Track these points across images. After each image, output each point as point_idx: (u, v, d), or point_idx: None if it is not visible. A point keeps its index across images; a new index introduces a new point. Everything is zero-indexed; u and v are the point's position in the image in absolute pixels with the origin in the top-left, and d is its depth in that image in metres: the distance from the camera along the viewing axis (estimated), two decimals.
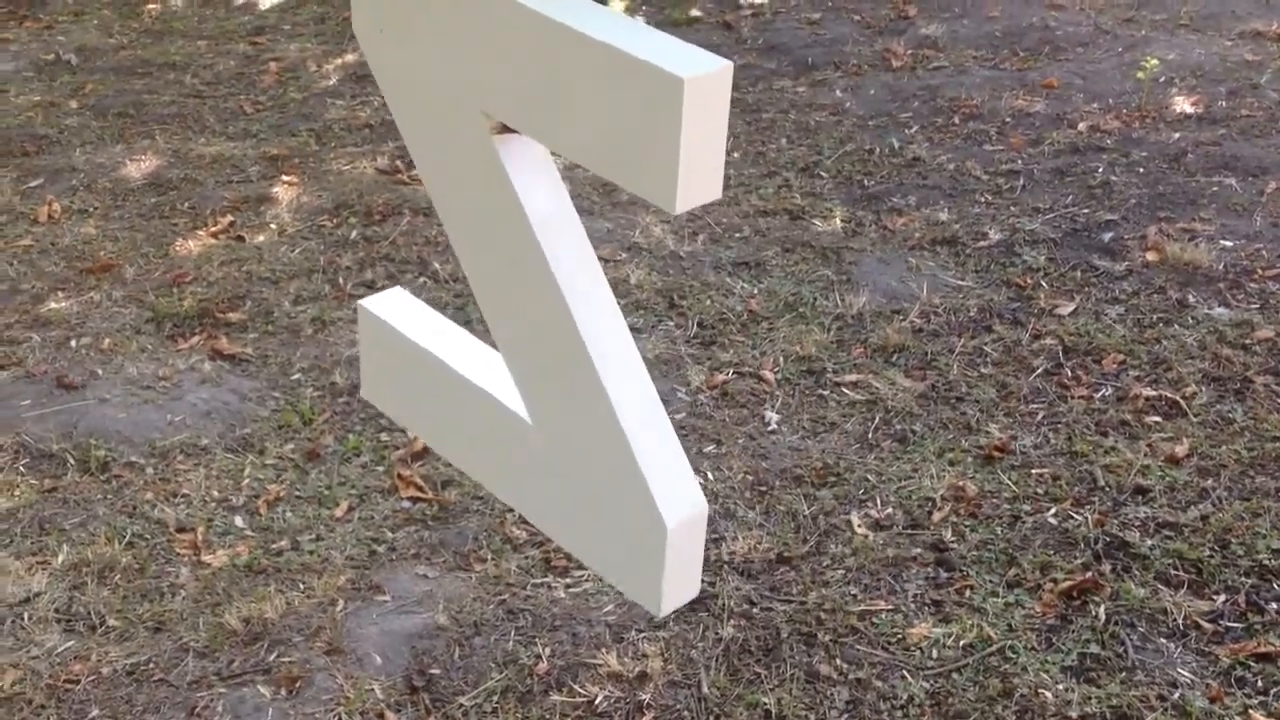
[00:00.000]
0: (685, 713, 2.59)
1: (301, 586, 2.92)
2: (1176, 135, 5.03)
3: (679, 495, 1.16)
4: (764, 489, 3.20)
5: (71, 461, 3.34)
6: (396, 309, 1.37)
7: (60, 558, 3.02)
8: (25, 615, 2.86)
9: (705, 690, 2.63)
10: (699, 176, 1.01)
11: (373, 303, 1.37)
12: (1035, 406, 3.47)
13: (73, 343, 3.88)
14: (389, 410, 1.47)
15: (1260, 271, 4.04)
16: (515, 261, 1.17)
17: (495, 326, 1.23)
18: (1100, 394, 3.50)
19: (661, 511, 1.14)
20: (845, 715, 2.57)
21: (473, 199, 1.18)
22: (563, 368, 1.17)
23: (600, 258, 4.68)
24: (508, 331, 1.22)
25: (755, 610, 2.83)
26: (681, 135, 0.97)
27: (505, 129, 1.14)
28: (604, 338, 1.18)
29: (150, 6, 7.20)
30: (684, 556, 1.16)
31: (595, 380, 1.15)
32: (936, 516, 3.07)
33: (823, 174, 4.89)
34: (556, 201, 1.17)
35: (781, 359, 3.71)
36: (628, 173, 1.03)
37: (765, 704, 2.59)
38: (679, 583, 1.18)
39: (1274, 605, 2.78)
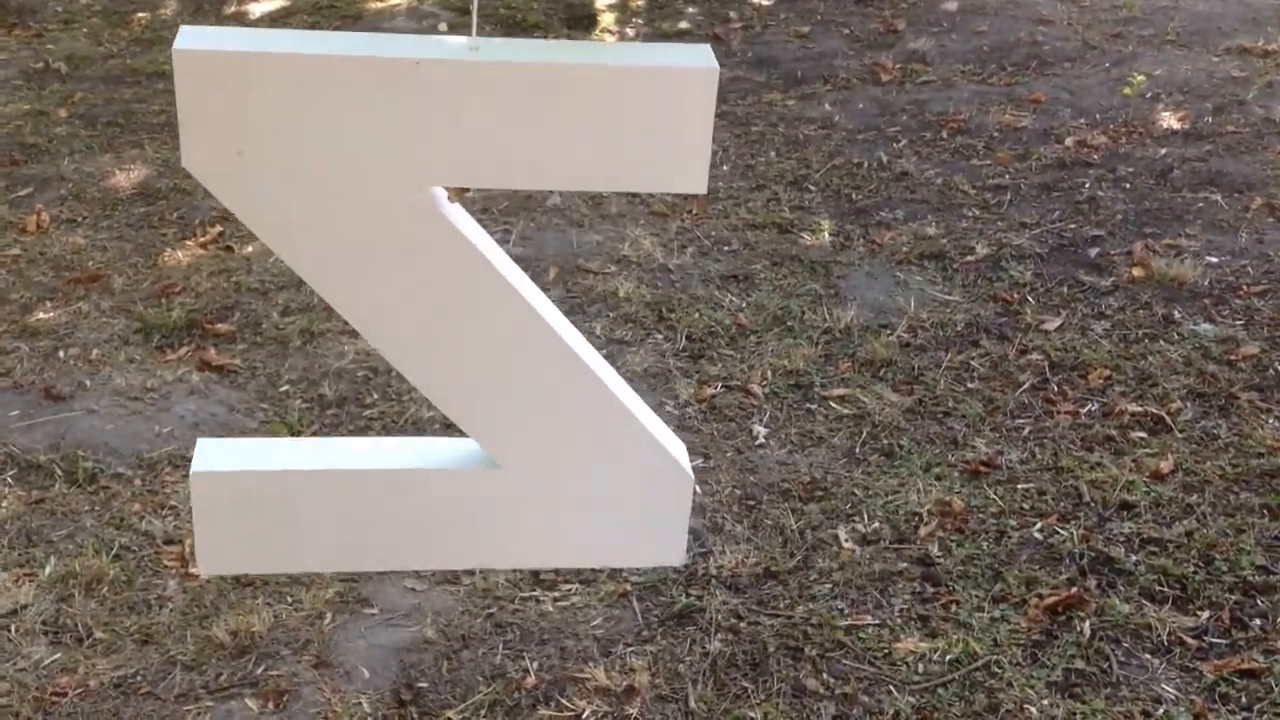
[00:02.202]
0: None
1: (289, 600, 2.92)
2: (1163, 151, 5.06)
3: (682, 451, 1.34)
4: (752, 503, 3.21)
5: (59, 473, 3.34)
6: (231, 456, 1.30)
7: (47, 570, 3.02)
8: (12, 627, 2.85)
9: (692, 704, 2.64)
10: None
11: (203, 463, 1.27)
12: (1021, 422, 3.48)
13: (61, 353, 3.88)
14: (245, 566, 1.41)
15: (1245, 288, 4.07)
16: (484, 313, 1.20)
17: (446, 389, 1.22)
18: (1086, 409, 3.52)
19: (685, 467, 1.31)
20: None
21: (416, 274, 1.15)
22: (562, 388, 1.22)
23: (589, 270, 4.71)
24: (477, 389, 1.22)
25: (742, 624, 2.84)
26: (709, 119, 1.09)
27: (459, 192, 1.16)
28: (585, 350, 1.24)
29: (140, 15, 7.20)
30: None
31: (601, 388, 1.22)
32: (923, 531, 3.08)
33: (811, 187, 4.91)
34: (490, 243, 1.23)
35: (769, 373, 3.72)
36: (653, 173, 1.13)
37: (752, 718, 2.60)
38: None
39: (1258, 621, 2.80)
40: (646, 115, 1.08)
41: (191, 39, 1.07)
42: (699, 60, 1.09)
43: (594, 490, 1.27)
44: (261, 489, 1.24)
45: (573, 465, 1.27)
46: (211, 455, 1.29)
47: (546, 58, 1.10)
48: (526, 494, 1.28)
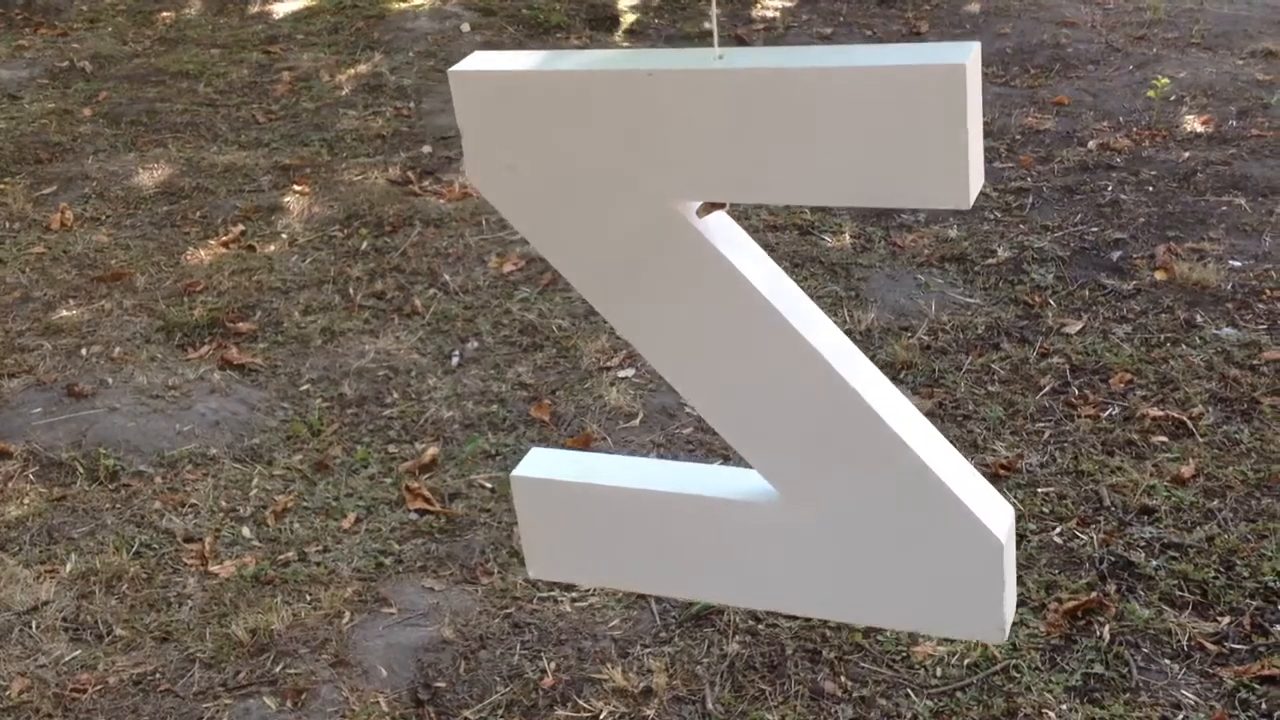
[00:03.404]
0: None
1: (308, 598, 2.93)
2: (1186, 154, 5.03)
3: (993, 506, 1.13)
4: None
5: (80, 470, 3.36)
6: (551, 466, 1.31)
7: (68, 566, 3.03)
8: (33, 624, 2.87)
9: (710, 706, 2.63)
10: (976, 163, 1.02)
11: (525, 469, 1.31)
12: (1042, 425, 3.47)
13: (83, 351, 3.90)
14: (571, 575, 1.41)
15: (1269, 292, 4.05)
16: (754, 343, 1.12)
17: (736, 422, 1.17)
18: (1107, 413, 3.50)
19: (990, 527, 1.11)
20: None
21: (684, 298, 1.13)
22: (843, 431, 1.12)
23: None
24: (757, 421, 1.16)
25: (760, 627, 2.83)
26: (968, 122, 0.98)
27: (711, 207, 1.11)
28: (871, 387, 1.13)
29: (164, 15, 7.24)
30: (1010, 569, 1.14)
31: (886, 431, 1.10)
32: None
33: None
34: (765, 262, 1.14)
35: None
36: (907, 188, 1.02)
37: None
38: (1009, 599, 1.15)
39: (1279, 627, 2.78)
40: (890, 121, 1.00)
41: (470, 61, 1.15)
42: (944, 57, 0.98)
43: (884, 542, 1.16)
44: (560, 497, 1.28)
45: (855, 509, 1.16)
46: (533, 462, 1.32)
47: (781, 63, 1.04)
48: (811, 533, 1.18)
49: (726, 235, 1.12)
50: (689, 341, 1.16)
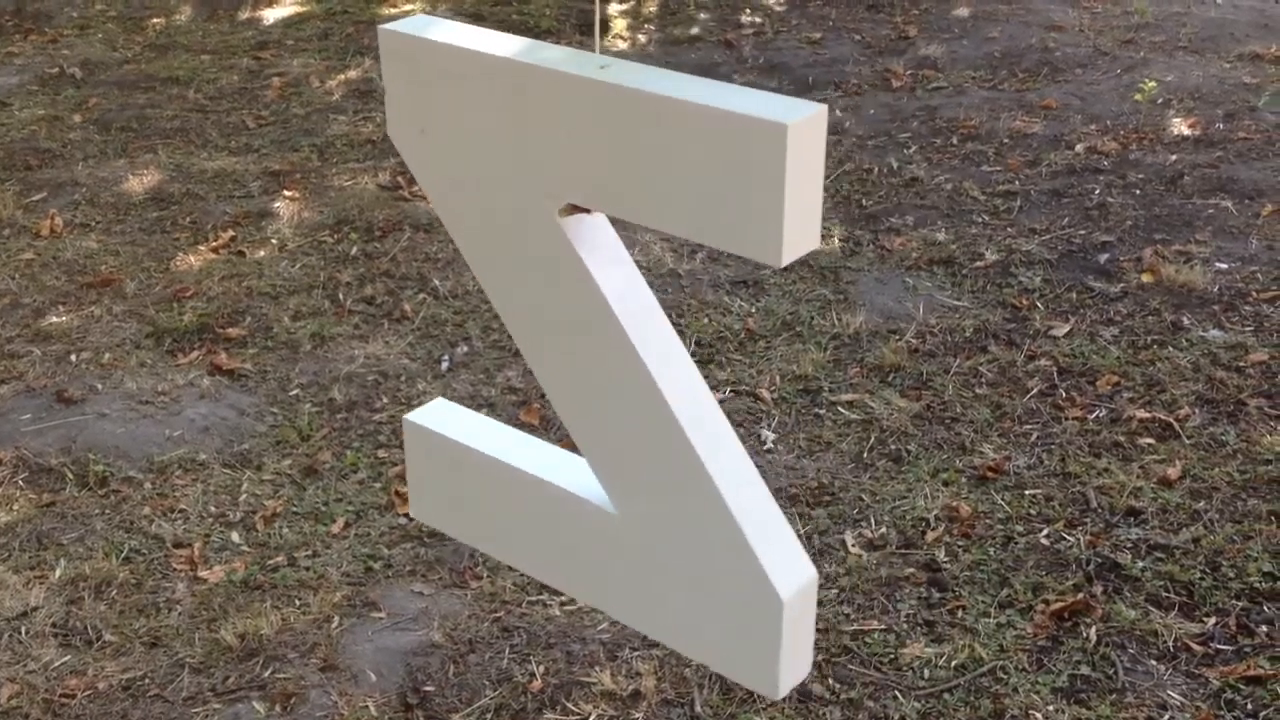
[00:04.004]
0: None
1: (297, 603, 2.94)
2: (1173, 157, 5.05)
3: (789, 564, 1.11)
4: None
5: (70, 476, 3.36)
6: (443, 419, 1.35)
7: (58, 572, 3.04)
8: (22, 629, 2.87)
9: (698, 709, 2.64)
10: (802, 224, 1.00)
11: (419, 415, 1.35)
12: (1029, 427, 3.48)
13: (73, 357, 3.90)
14: (444, 526, 1.45)
15: (1255, 294, 4.07)
16: (594, 348, 1.13)
17: (571, 418, 1.19)
18: (1094, 415, 3.52)
19: (775, 583, 1.09)
20: None
21: (540, 289, 1.15)
22: (655, 452, 1.12)
23: None
24: (587, 422, 1.18)
25: None
26: (786, 184, 0.96)
27: (575, 209, 1.12)
28: (698, 418, 1.13)
29: (155, 21, 7.24)
30: (798, 629, 1.11)
31: (695, 461, 1.09)
32: (930, 536, 3.09)
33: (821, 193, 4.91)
34: (630, 279, 1.14)
35: (778, 378, 3.73)
36: (727, 232, 1.01)
37: None
38: (794, 659, 1.12)
39: (1264, 628, 2.80)
40: (717, 164, 0.99)
41: (406, 21, 1.18)
42: (777, 113, 0.96)
43: (681, 568, 1.15)
44: (450, 455, 1.31)
45: (660, 529, 1.16)
46: (428, 411, 1.36)
47: (639, 83, 1.04)
48: (630, 551, 1.18)
49: (592, 239, 1.13)
50: (542, 330, 1.19)
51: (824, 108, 0.98)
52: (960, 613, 2.86)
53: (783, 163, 0.95)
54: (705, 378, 3.83)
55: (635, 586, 1.21)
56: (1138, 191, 4.80)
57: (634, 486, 1.17)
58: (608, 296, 1.11)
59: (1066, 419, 3.50)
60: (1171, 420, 3.47)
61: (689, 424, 1.11)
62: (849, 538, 3.10)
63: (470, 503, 1.34)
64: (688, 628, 1.18)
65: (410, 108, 1.18)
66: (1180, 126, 5.32)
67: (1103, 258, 4.33)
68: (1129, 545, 3.04)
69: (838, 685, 2.69)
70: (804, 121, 0.96)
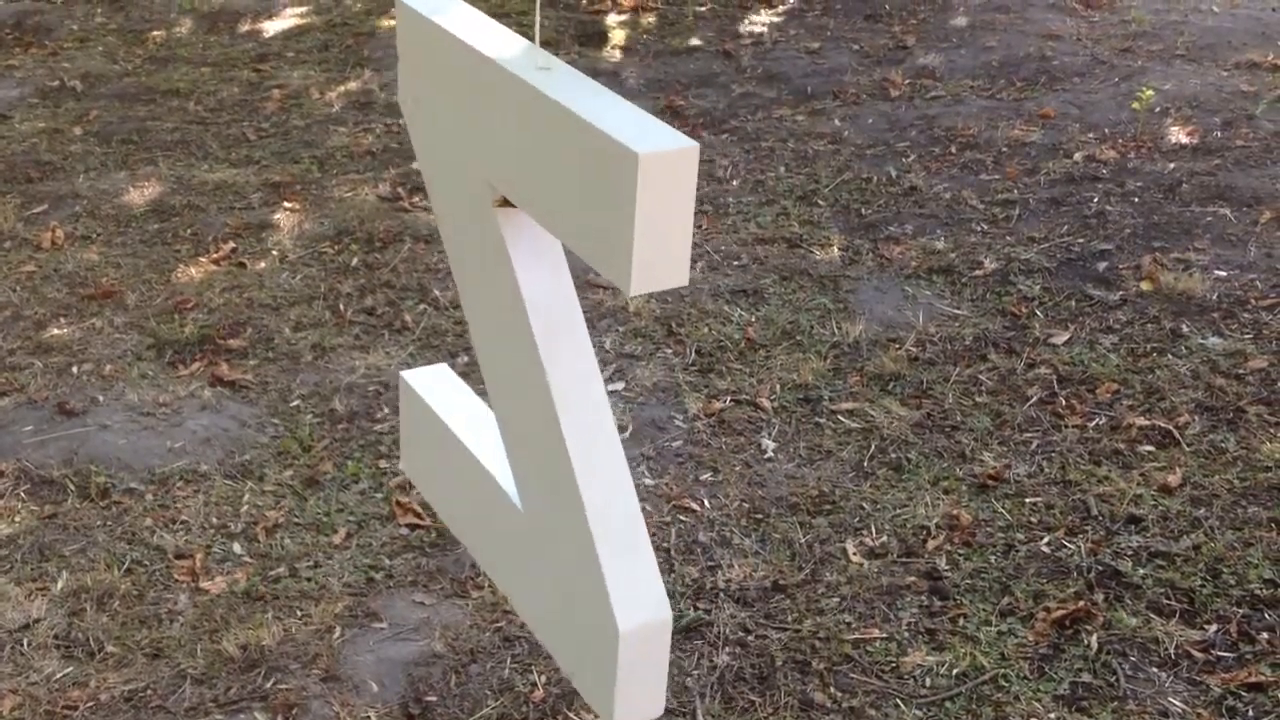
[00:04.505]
0: None
1: (299, 613, 2.94)
2: (1172, 165, 5.06)
3: (639, 599, 1.10)
4: (760, 516, 3.22)
5: (72, 488, 3.37)
6: (435, 384, 1.38)
7: (60, 584, 3.04)
8: (25, 641, 2.88)
9: (700, 718, 2.64)
10: (660, 258, 0.98)
11: (413, 376, 1.39)
12: (1029, 435, 3.49)
13: (74, 369, 3.91)
14: (419, 484, 1.48)
15: (1253, 301, 4.07)
16: (510, 341, 1.15)
17: (494, 405, 1.22)
18: (1094, 423, 3.52)
19: (616, 613, 1.08)
20: None
21: (480, 274, 1.18)
22: (544, 452, 1.14)
23: (598, 285, 4.72)
24: (503, 412, 1.21)
25: (750, 638, 2.85)
26: (636, 212, 0.94)
27: (505, 203, 1.14)
28: (585, 432, 1.14)
29: (155, 34, 7.26)
30: (641, 666, 1.10)
31: (568, 468, 1.10)
32: (931, 545, 3.09)
33: (820, 202, 4.93)
34: (554, 282, 1.14)
35: (778, 387, 3.73)
36: (592, 249, 1.01)
37: None
38: (636, 694, 1.11)
39: (1265, 635, 2.80)
40: (590, 182, 0.98)
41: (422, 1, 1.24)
42: (640, 141, 0.93)
43: (559, 582, 1.15)
44: (427, 420, 1.36)
45: (548, 540, 1.17)
46: (425, 374, 1.41)
47: (552, 89, 1.05)
48: (527, 545, 1.21)
49: (525, 237, 1.14)
50: (478, 318, 1.23)
51: (694, 145, 0.95)
52: (961, 621, 2.87)
53: (633, 189, 0.93)
54: (705, 387, 3.84)
55: (530, 583, 1.23)
56: (1136, 199, 4.81)
57: (529, 487, 1.20)
58: (524, 293, 1.12)
59: (1066, 427, 3.51)
60: (1171, 427, 3.47)
61: (572, 434, 1.11)
62: (850, 546, 3.10)
63: (437, 469, 1.38)
64: (559, 635, 1.20)
65: (408, 77, 1.24)
66: (1178, 134, 5.34)
67: (1102, 266, 4.34)
68: (1130, 552, 3.04)
69: (839, 694, 2.70)
70: (661, 154, 0.93)
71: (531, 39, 1.20)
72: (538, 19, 1.16)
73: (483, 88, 1.12)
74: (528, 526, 1.21)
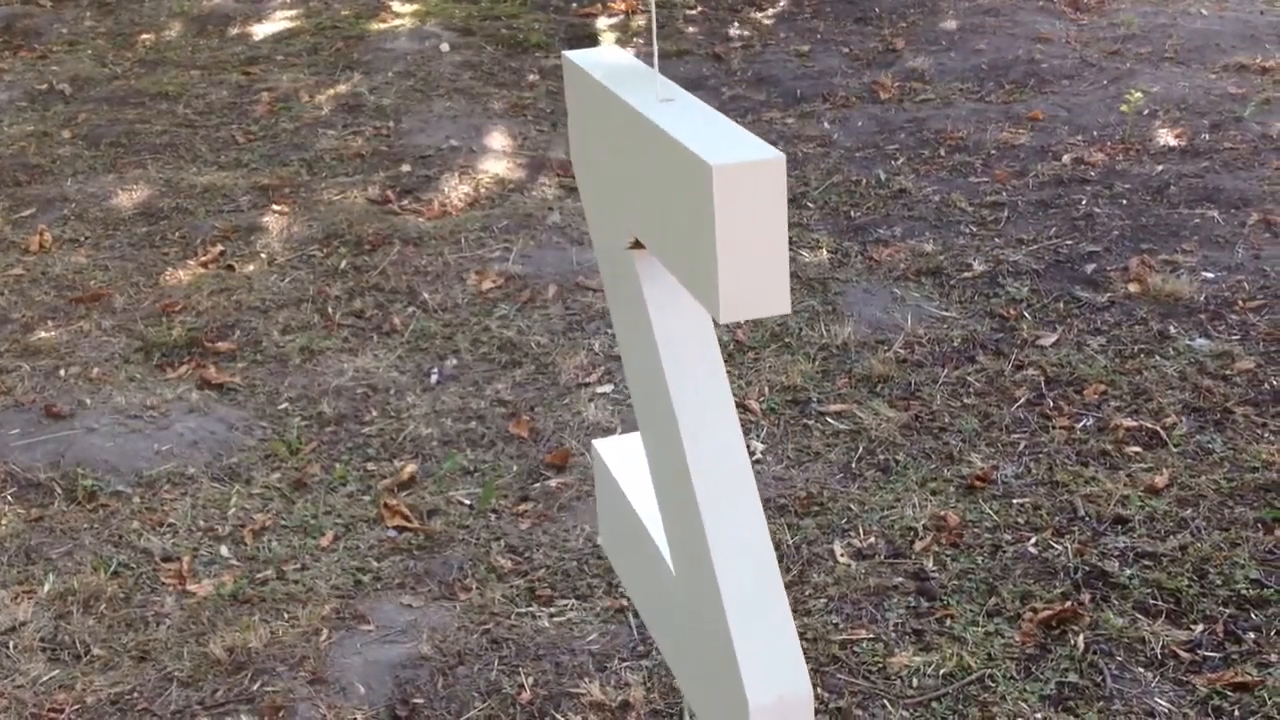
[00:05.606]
0: None
1: (286, 616, 2.94)
2: (1160, 167, 5.08)
3: (772, 672, 1.05)
4: None
5: (59, 490, 3.36)
6: (619, 454, 1.36)
7: (46, 587, 3.03)
8: (10, 644, 2.87)
9: (688, 719, 2.64)
10: (752, 280, 0.89)
11: (605, 445, 1.35)
12: (1017, 436, 3.49)
13: (61, 372, 3.90)
14: (609, 554, 1.44)
15: (1241, 303, 4.08)
16: (650, 386, 1.11)
17: (650, 463, 1.18)
18: (1081, 424, 3.53)
19: (747, 688, 1.04)
20: None
21: (626, 322, 1.16)
22: (681, 511, 1.09)
23: (588, 287, 4.71)
24: (654, 466, 1.17)
25: None
26: (717, 228, 0.87)
27: (638, 244, 1.10)
28: (714, 476, 1.06)
29: (144, 37, 7.25)
30: None
31: (699, 524, 1.04)
32: (918, 546, 3.09)
33: (810, 205, 4.93)
34: (691, 328, 1.07)
35: (767, 389, 3.74)
36: (689, 275, 0.93)
37: None
38: None
39: (1252, 635, 2.80)
40: (685, 205, 0.91)
41: (584, 53, 1.25)
42: (713, 151, 0.86)
43: (700, 648, 1.11)
44: (612, 490, 1.38)
45: (693, 607, 1.11)
46: (616, 444, 1.41)
47: (656, 118, 0.97)
48: (682, 612, 1.16)
49: (661, 280, 1.08)
50: (630, 363, 1.22)
51: (780, 156, 0.87)
52: (948, 621, 2.87)
53: (711, 204, 0.86)
54: None
55: (681, 648, 1.20)
56: (1124, 202, 4.82)
57: (675, 548, 1.15)
58: (658, 338, 1.07)
59: (1054, 428, 3.51)
60: (1158, 429, 3.48)
61: (703, 484, 1.04)
62: (837, 547, 3.11)
63: (618, 535, 1.36)
64: (701, 697, 1.17)
65: (577, 132, 1.21)
66: (1166, 137, 5.35)
67: (1090, 268, 4.35)
68: (1116, 553, 3.05)
69: (826, 694, 2.70)
70: (739, 165, 0.86)
71: (651, 65, 1.13)
72: (655, 48, 1.13)
73: (616, 128, 1.07)
74: (676, 589, 1.15)
